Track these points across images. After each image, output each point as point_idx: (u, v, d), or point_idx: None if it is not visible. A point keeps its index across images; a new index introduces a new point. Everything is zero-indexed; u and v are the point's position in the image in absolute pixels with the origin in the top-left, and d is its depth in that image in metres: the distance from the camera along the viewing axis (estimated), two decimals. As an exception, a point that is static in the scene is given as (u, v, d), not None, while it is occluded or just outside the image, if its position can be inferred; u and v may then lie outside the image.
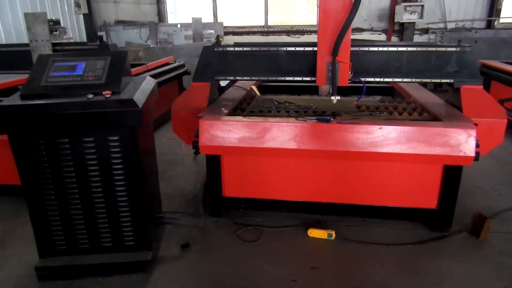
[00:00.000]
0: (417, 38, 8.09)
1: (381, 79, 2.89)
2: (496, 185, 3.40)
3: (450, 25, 8.07)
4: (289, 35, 8.45)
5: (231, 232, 2.69)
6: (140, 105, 1.94)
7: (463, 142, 2.36)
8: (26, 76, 4.25)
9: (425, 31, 8.18)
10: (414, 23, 7.75)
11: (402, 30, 7.98)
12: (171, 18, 8.87)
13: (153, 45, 8.00)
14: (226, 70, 3.02)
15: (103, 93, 1.94)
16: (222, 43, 3.12)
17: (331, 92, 2.73)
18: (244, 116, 2.73)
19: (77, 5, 7.65)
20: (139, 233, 2.24)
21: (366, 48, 2.85)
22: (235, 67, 3.00)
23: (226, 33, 8.24)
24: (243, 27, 8.62)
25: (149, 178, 2.37)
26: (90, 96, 1.94)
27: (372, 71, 2.88)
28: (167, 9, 8.85)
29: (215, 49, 2.98)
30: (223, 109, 2.88)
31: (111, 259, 2.23)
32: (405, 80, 2.89)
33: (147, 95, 2.14)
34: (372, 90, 4.16)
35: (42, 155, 2.03)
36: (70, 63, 2.12)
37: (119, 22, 8.41)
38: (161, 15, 8.80)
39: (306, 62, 2.87)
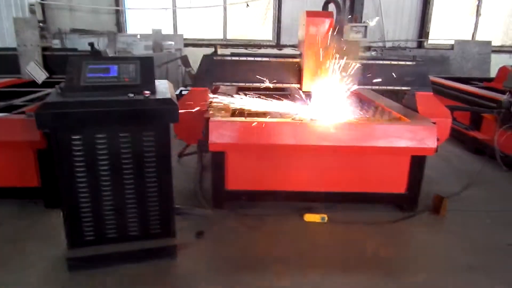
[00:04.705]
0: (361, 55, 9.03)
1: (359, 86, 3.43)
2: (443, 176, 4.09)
3: (388, 44, 9.15)
4: (246, 48, 8.94)
5: (236, 221, 2.99)
6: (177, 103, 2.21)
7: (428, 136, 2.95)
8: (7, 79, 4.18)
9: (368, 48, 9.16)
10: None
11: (349, 47, 8.88)
12: (131, 29, 8.89)
13: (111, 55, 7.96)
14: (223, 77, 3.35)
15: (143, 92, 2.18)
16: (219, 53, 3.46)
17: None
18: (245, 117, 3.07)
19: (32, 11, 7.38)
20: (165, 221, 2.46)
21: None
22: (232, 74, 3.34)
23: (186, 45, 8.47)
24: (203, 39, 8.93)
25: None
26: (131, 95, 2.17)
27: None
28: (126, 19, 8.86)
29: (214, 58, 3.31)
30: (223, 111, 3.20)
31: (140, 246, 2.41)
32: (374, 87, 3.47)
33: (174, 95, 2.41)
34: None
35: (80, 150, 2.19)
36: (102, 65, 2.31)
37: (75, 31, 8.23)
38: (120, 25, 8.78)
39: (293, 71, 3.33)
